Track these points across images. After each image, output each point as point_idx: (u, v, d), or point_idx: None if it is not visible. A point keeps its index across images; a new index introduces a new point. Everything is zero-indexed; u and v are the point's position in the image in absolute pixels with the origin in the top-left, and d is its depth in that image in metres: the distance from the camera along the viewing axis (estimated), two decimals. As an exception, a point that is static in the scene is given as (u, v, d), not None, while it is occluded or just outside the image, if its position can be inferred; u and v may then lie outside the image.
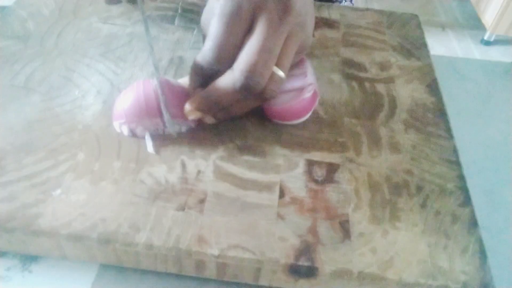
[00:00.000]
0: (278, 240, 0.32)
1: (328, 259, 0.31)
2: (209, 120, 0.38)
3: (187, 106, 0.36)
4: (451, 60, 1.83)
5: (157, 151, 0.36)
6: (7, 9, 0.49)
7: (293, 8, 0.33)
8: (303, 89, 0.38)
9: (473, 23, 2.05)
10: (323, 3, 0.55)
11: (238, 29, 0.33)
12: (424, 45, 0.51)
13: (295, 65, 0.39)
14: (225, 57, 0.34)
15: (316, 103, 0.40)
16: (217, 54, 0.34)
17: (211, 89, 0.35)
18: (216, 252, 0.31)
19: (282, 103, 0.38)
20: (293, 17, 0.34)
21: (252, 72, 0.33)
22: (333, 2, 0.65)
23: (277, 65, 0.34)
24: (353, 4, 0.69)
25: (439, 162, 0.38)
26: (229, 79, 0.34)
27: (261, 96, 0.35)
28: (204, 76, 0.36)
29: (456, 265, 0.32)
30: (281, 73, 0.34)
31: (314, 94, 0.39)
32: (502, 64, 1.84)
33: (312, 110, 0.40)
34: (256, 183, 0.35)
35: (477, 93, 1.68)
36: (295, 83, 0.38)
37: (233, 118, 0.38)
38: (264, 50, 0.33)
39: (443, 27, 2.04)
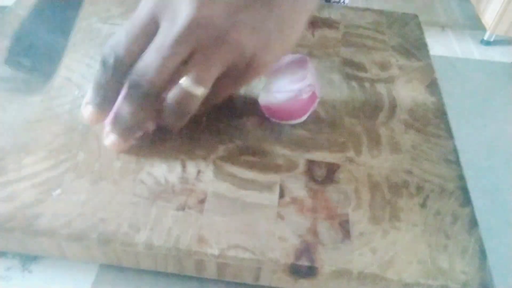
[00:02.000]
0: (278, 240, 0.32)
1: (328, 259, 0.31)
2: (113, 142, 0.35)
3: (106, 131, 0.35)
4: (451, 60, 1.83)
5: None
6: (7, 9, 0.49)
7: (185, 19, 0.30)
8: (301, 90, 0.38)
9: (473, 23, 2.05)
10: (322, 3, 0.55)
11: (141, 31, 0.32)
12: (424, 45, 0.51)
13: (296, 66, 0.40)
14: (120, 55, 0.32)
15: (315, 104, 0.40)
16: (114, 50, 0.32)
17: (116, 111, 0.34)
18: (216, 252, 0.31)
19: (279, 103, 0.38)
20: (187, 29, 0.31)
21: (137, 70, 0.31)
22: (330, 1, 0.65)
23: (191, 78, 0.32)
24: (345, 4, 0.69)
25: (439, 162, 0.38)
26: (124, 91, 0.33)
27: (172, 113, 0.33)
28: (108, 89, 0.33)
29: (456, 265, 0.32)
30: (198, 91, 0.32)
31: (313, 96, 0.39)
32: (502, 64, 1.85)
33: (310, 111, 0.40)
34: (256, 183, 0.35)
35: (477, 93, 1.68)
36: (294, 83, 0.38)
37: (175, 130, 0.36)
38: (154, 50, 0.31)
39: (443, 27, 2.04)
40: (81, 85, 0.41)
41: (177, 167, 0.35)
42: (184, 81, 0.32)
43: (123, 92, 0.34)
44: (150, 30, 0.32)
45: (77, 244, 0.31)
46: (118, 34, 0.32)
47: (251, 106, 0.40)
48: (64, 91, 0.41)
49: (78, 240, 0.31)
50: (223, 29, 0.32)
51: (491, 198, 1.30)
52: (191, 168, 0.35)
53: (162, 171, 0.35)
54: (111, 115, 0.35)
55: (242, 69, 0.34)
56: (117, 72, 0.32)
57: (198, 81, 0.32)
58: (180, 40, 0.31)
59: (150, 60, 0.31)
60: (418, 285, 0.31)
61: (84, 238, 0.31)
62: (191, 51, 0.32)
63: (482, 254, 0.32)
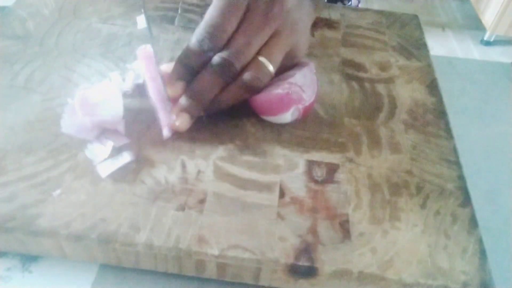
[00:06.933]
0: (278, 240, 0.32)
1: (328, 259, 0.31)
2: (184, 121, 0.37)
3: (174, 111, 0.37)
4: (451, 61, 1.83)
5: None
6: (7, 9, 0.49)
7: (281, 5, 0.36)
8: (279, 86, 0.37)
9: (473, 23, 2.05)
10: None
11: (231, 14, 0.36)
12: (424, 45, 0.51)
13: (294, 68, 0.40)
14: (217, 36, 0.36)
15: (301, 106, 0.38)
16: (210, 31, 0.36)
17: (194, 84, 0.36)
18: (216, 252, 0.31)
19: (258, 96, 0.38)
20: (280, 13, 0.36)
21: (226, 52, 0.35)
22: (336, 2, 0.65)
23: (265, 57, 0.36)
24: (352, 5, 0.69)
25: (439, 162, 0.38)
26: (208, 68, 0.36)
27: (246, 84, 0.36)
28: (189, 67, 0.37)
29: (456, 265, 0.32)
30: (270, 67, 0.36)
31: (296, 96, 0.37)
32: (502, 64, 1.84)
33: (290, 110, 0.38)
34: (256, 183, 0.35)
35: (477, 93, 1.68)
36: (280, 80, 0.38)
37: (223, 109, 0.38)
38: (243, 35, 0.36)
39: (443, 27, 2.04)
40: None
41: (177, 167, 0.35)
42: (262, 58, 0.36)
43: (205, 70, 0.36)
44: (241, 12, 0.36)
45: (77, 244, 0.31)
46: (212, 18, 0.36)
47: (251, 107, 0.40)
48: (64, 91, 0.41)
49: (78, 240, 0.31)
50: (295, 20, 0.38)
51: (491, 198, 1.30)
52: (191, 168, 0.35)
53: (162, 171, 0.35)
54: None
55: (291, 57, 0.39)
56: (211, 52, 0.36)
57: (271, 60, 0.37)
58: (270, 23, 0.36)
59: (245, 41, 0.36)
60: (418, 285, 0.31)
61: (84, 238, 0.31)
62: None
63: (482, 254, 0.32)
